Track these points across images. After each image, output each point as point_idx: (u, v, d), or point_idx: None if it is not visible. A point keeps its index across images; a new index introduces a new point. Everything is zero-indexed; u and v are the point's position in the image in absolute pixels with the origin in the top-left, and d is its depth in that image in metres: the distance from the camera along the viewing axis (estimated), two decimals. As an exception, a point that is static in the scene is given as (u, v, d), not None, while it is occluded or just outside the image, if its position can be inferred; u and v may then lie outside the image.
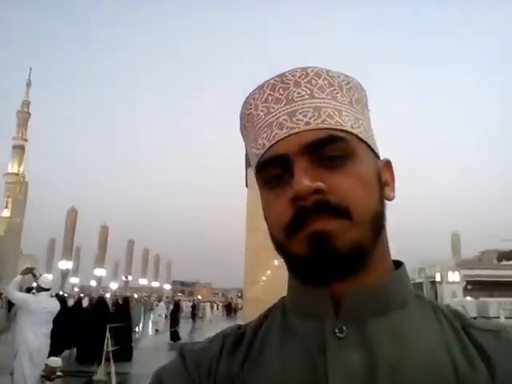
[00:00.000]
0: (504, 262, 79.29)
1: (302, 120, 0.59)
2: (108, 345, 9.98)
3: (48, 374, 5.54)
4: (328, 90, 0.62)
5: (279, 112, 0.61)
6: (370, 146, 0.63)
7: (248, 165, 10.23)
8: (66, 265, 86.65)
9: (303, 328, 0.60)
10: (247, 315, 9.07)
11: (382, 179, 0.63)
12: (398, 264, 0.65)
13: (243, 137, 0.69)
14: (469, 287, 51.42)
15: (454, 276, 52.20)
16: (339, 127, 0.59)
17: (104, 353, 9.55)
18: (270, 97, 0.62)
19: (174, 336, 17.55)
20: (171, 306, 27.59)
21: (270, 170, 0.60)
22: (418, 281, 45.46)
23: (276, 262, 9.00)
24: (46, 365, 5.62)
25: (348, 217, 0.55)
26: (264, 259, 9.24)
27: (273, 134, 0.60)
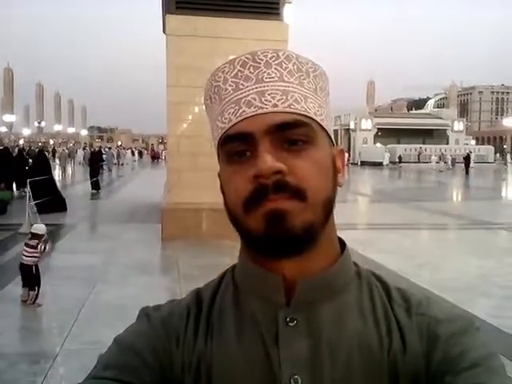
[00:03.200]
0: (413, 111, 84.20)
1: (270, 101, 0.60)
2: (30, 199, 9.92)
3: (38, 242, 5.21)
4: (296, 75, 0.63)
5: (248, 90, 0.61)
6: (328, 134, 0.65)
7: (166, 10, 9.45)
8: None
9: (257, 311, 0.64)
10: (171, 166, 9.23)
11: (336, 166, 0.65)
12: (341, 242, 0.69)
13: (206, 107, 0.69)
14: (379, 134, 54.97)
15: (367, 124, 55.25)
16: (304, 113, 0.60)
17: (27, 207, 9.53)
18: (239, 73, 0.63)
19: (95, 185, 17.68)
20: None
21: (234, 146, 0.61)
22: (333, 128, 47.63)
23: (197, 111, 8.92)
24: (32, 233, 5.29)
25: (304, 199, 0.58)
26: (185, 114, 9.14)
27: (240, 110, 0.60)
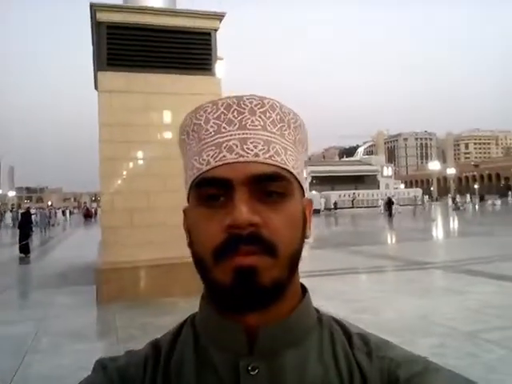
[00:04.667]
0: (344, 158, 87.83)
1: (252, 150, 0.59)
2: None
3: None
4: (278, 126, 0.63)
5: (230, 135, 0.61)
6: (301, 186, 0.65)
7: (97, 67, 9.42)
8: None
9: (218, 359, 0.63)
10: (106, 224, 8.89)
11: (306, 217, 0.66)
12: (301, 286, 0.69)
13: (181, 141, 0.68)
14: (314, 182, 56.77)
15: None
16: (283, 166, 0.61)
17: None
18: (223, 115, 0.62)
19: (25, 249, 16.77)
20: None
21: (209, 189, 0.60)
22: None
23: (131, 169, 8.77)
24: None
25: (274, 255, 0.58)
26: (119, 169, 8.96)
27: (221, 155, 0.60)
